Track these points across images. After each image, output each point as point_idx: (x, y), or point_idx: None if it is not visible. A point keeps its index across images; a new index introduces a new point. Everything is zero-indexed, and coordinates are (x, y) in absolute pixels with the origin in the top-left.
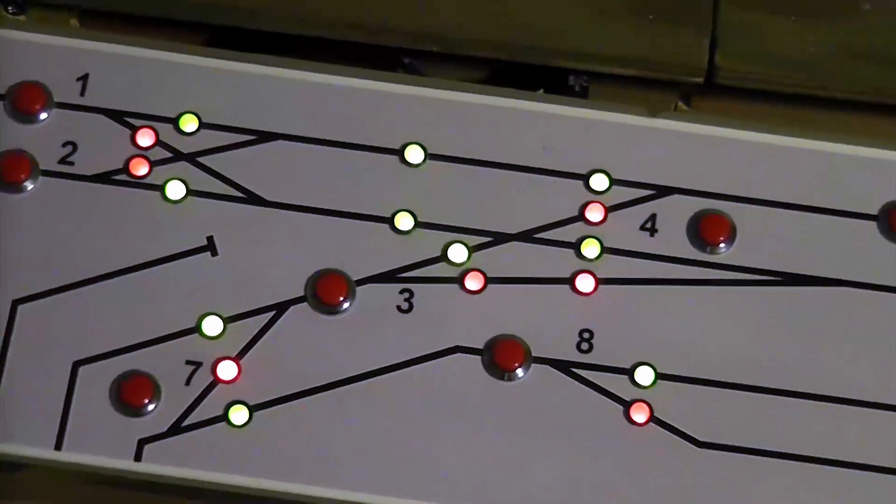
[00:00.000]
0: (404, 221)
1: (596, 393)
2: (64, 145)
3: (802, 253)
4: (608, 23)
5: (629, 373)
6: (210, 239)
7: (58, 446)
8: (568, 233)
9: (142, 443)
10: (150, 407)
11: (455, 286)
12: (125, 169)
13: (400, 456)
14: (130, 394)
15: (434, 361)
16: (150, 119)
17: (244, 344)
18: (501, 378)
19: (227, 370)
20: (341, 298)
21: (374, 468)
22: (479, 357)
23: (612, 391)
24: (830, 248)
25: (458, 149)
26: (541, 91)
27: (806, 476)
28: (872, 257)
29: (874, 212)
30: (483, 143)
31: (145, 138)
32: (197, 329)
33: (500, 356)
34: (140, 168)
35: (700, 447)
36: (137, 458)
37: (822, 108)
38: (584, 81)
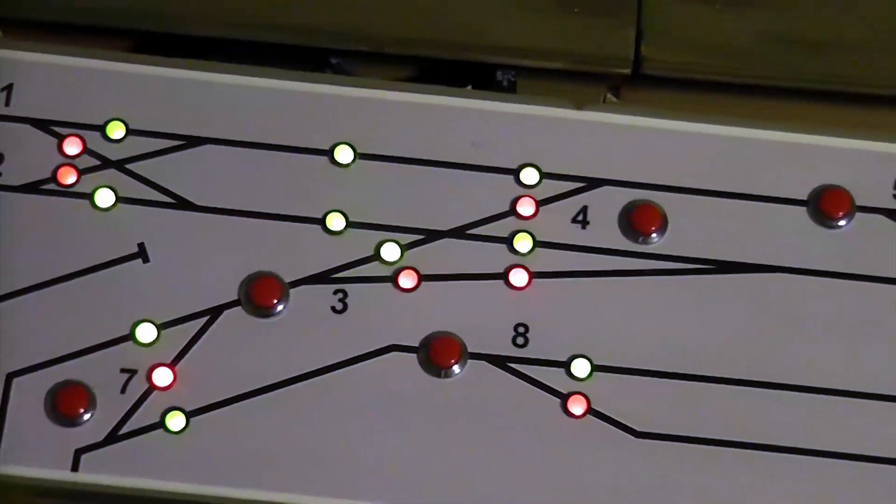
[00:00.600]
0: (336, 222)
1: (532, 387)
2: None
3: (734, 240)
4: (534, 17)
5: (565, 365)
6: (141, 246)
7: None
8: (500, 228)
9: (78, 453)
10: (86, 416)
11: (389, 285)
12: (53, 178)
13: (338, 457)
14: (65, 404)
15: (370, 361)
16: (77, 127)
17: (179, 350)
18: (438, 375)
19: (162, 377)
20: (275, 301)
21: (313, 470)
22: (415, 355)
23: (548, 384)
24: (762, 235)
25: (387, 147)
26: (469, 87)
27: (745, 463)
28: (803, 242)
29: (804, 197)
30: (412, 141)
31: (72, 147)
32: (131, 336)
33: (436, 353)
34: (68, 177)
35: (638, 437)
36: (74, 468)
37: (749, 95)
38: (512, 76)
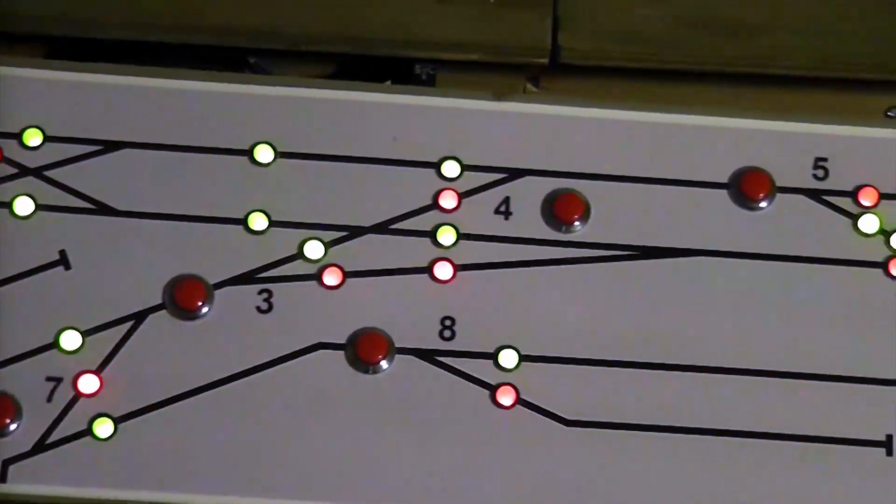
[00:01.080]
0: (258, 222)
1: (461, 379)
2: None
3: (657, 225)
4: (451, 10)
5: (493, 357)
6: (62, 253)
7: None
8: (423, 221)
9: (6, 463)
10: (13, 427)
11: (313, 283)
12: None
13: (268, 456)
14: None
15: (297, 360)
16: None
17: (104, 356)
18: (366, 371)
19: (88, 384)
20: (200, 303)
21: (243, 470)
22: (343, 352)
23: (476, 376)
24: (684, 219)
25: (307, 145)
26: (388, 82)
27: (675, 446)
28: (725, 225)
29: (725, 180)
30: (333, 138)
31: None
32: (55, 344)
33: (363, 350)
34: None
35: (568, 426)
36: (2, 479)
37: (667, 80)
38: (431, 70)
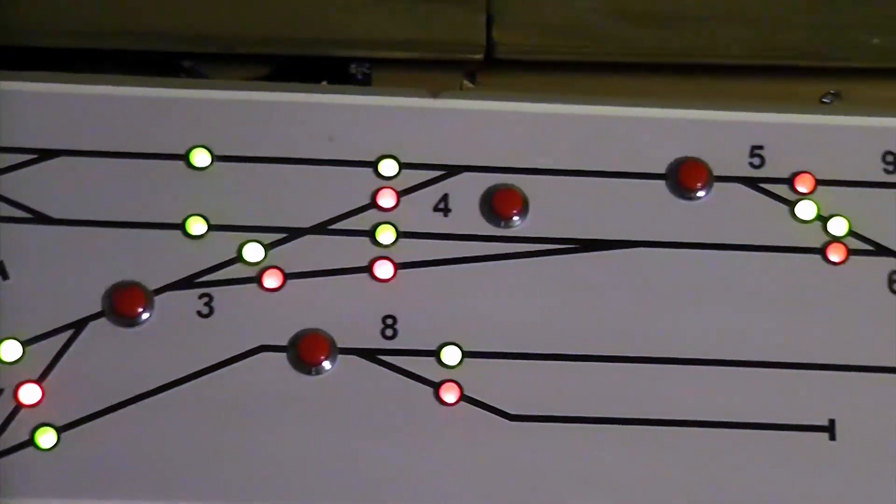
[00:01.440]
0: (196, 226)
1: (404, 377)
2: None
3: (596, 218)
4: (385, 8)
5: (436, 354)
6: (0, 263)
7: None
8: (362, 221)
9: None
10: None
11: (254, 285)
12: None
13: (213, 461)
14: None
15: (240, 363)
16: None
17: (45, 365)
18: (309, 373)
19: (29, 394)
20: (140, 309)
21: (188, 476)
22: (285, 354)
23: (420, 374)
24: (623, 211)
25: (244, 148)
26: (324, 83)
27: (621, 438)
28: (664, 215)
29: (662, 171)
30: (269, 140)
31: None
32: None
33: (306, 351)
34: None
35: (513, 421)
36: None
37: (603, 73)
38: (367, 69)
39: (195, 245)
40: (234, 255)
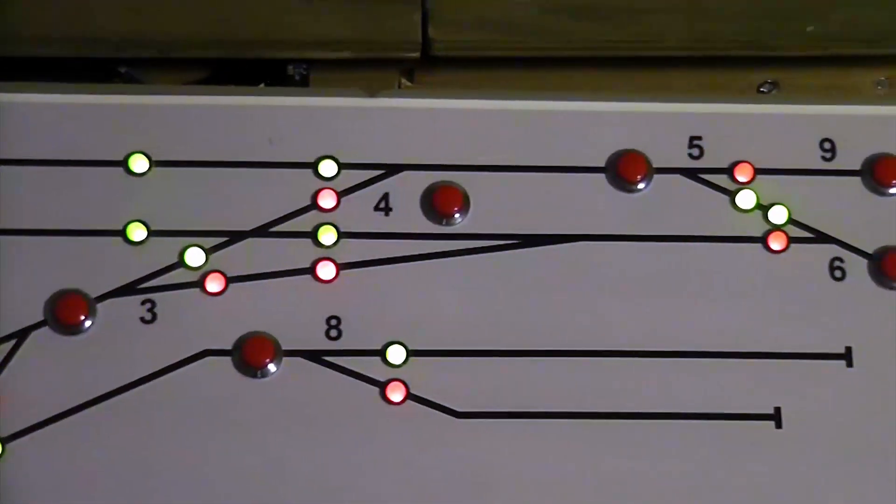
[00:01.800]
0: (137, 232)
1: (350, 378)
2: None
3: (537, 213)
4: (320, 8)
5: (381, 354)
6: None
7: None
8: (303, 223)
9: None
10: None
11: (196, 290)
12: None
13: (160, 466)
14: None
15: (184, 368)
16: None
17: None
18: (254, 376)
19: None
20: (82, 318)
21: (135, 483)
22: (230, 358)
23: (365, 374)
24: (563, 205)
25: (183, 152)
26: (261, 85)
27: (566, 432)
28: (605, 208)
29: (602, 164)
30: (208, 144)
31: None
32: None
33: (250, 354)
34: None
35: (459, 418)
36: None
37: (540, 67)
38: (304, 69)
39: (136, 251)
40: (175, 260)
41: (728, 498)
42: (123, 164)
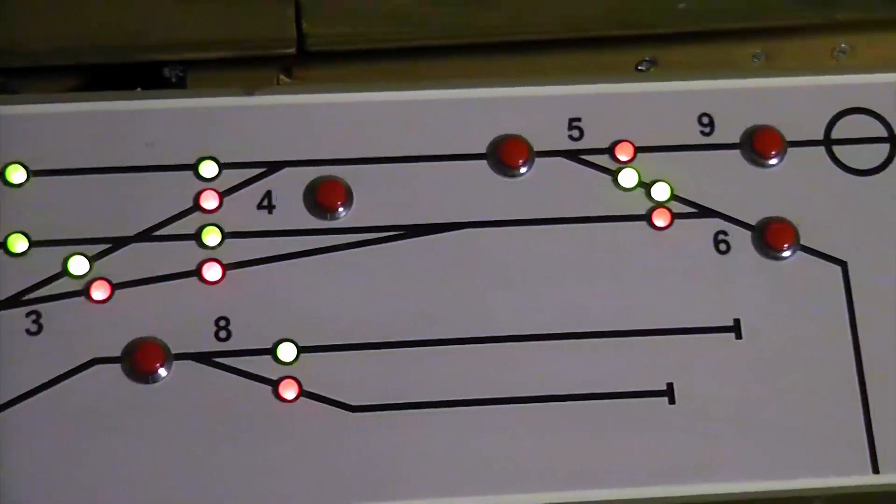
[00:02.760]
0: (18, 244)
1: (241, 378)
2: None
3: (420, 203)
4: (193, 8)
5: (271, 352)
6: None
7: None
8: (186, 225)
9: None
10: None
11: (81, 299)
12: None
13: (54, 478)
14: None
15: (73, 378)
16: None
17: None
18: (145, 381)
19: None
20: None
21: (30, 496)
22: (119, 365)
23: (257, 373)
24: (447, 194)
25: (61, 161)
26: (138, 89)
27: (461, 420)
28: (488, 195)
29: (483, 150)
30: (86, 151)
31: None
32: None
33: (140, 360)
34: None
35: (355, 412)
36: None
37: (418, 57)
38: (180, 71)
39: (18, 262)
40: (59, 269)
41: (625, 477)
42: (1, 175)
